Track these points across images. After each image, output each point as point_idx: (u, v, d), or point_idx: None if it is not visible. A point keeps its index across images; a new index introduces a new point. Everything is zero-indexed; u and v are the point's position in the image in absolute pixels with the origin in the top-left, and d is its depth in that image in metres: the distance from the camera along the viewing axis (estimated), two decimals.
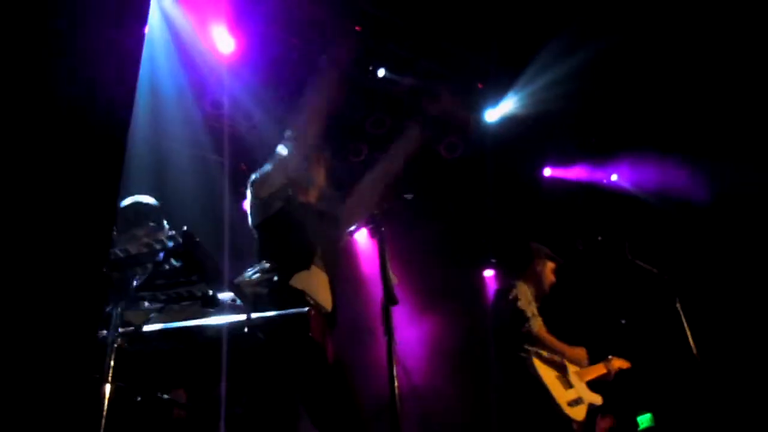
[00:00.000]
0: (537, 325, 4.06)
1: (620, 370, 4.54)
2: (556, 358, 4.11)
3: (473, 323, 5.85)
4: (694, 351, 3.70)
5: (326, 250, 3.25)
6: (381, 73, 6.02)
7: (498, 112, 6.53)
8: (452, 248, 6.51)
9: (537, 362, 4.00)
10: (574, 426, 4.00)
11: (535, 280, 4.37)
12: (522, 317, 4.02)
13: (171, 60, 5.16)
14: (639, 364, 4.68)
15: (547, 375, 4.02)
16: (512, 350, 4.05)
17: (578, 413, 4.08)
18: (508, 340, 4.09)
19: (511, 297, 4.14)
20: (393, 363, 2.63)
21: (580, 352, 4.29)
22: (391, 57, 5.95)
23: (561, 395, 4.02)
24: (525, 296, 4.16)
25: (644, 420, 5.10)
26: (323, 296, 3.14)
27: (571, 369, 4.21)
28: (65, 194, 2.34)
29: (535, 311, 4.22)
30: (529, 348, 4.01)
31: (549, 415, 3.92)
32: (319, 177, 3.49)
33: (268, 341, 2.44)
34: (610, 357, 4.54)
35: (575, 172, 6.88)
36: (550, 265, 4.42)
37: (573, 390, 4.14)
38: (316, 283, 3.13)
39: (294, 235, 3.22)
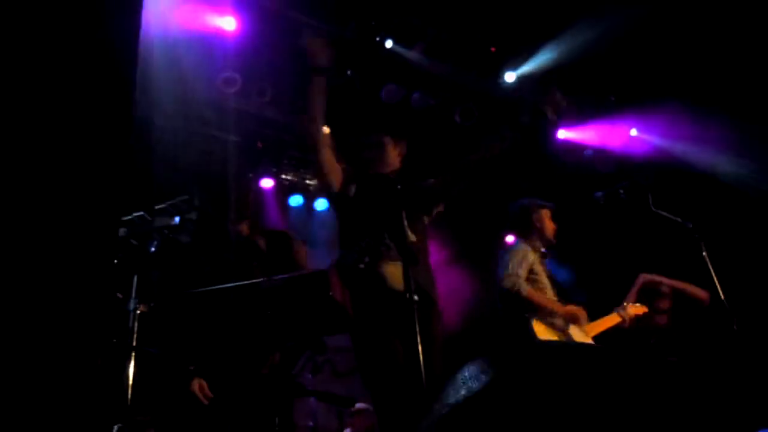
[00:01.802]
0: (525, 287, 3.90)
1: (637, 317, 4.41)
2: (556, 322, 3.99)
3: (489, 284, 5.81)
4: (723, 299, 3.64)
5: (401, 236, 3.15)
6: (389, 44, 5.96)
7: (512, 74, 6.44)
8: (472, 211, 6.46)
9: (535, 325, 3.89)
10: None
11: (538, 234, 4.28)
12: (510, 281, 3.89)
13: (177, 40, 5.14)
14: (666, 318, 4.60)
15: (545, 335, 3.92)
16: (511, 312, 3.95)
17: None
18: (506, 302, 3.98)
19: (503, 259, 4.05)
20: (416, 322, 2.61)
21: (575, 311, 4.07)
22: (399, 26, 5.89)
23: None
24: (524, 255, 4.05)
25: None
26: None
27: (573, 328, 4.08)
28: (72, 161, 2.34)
29: (538, 267, 4.08)
30: (527, 313, 3.90)
31: None
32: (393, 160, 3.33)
33: (290, 300, 2.44)
34: (625, 304, 4.43)
35: (591, 133, 6.77)
36: (545, 213, 4.31)
37: None
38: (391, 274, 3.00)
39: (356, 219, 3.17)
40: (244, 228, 2.93)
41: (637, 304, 4.49)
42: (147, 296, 2.37)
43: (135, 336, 2.37)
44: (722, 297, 3.61)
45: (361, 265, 2.82)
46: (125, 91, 2.55)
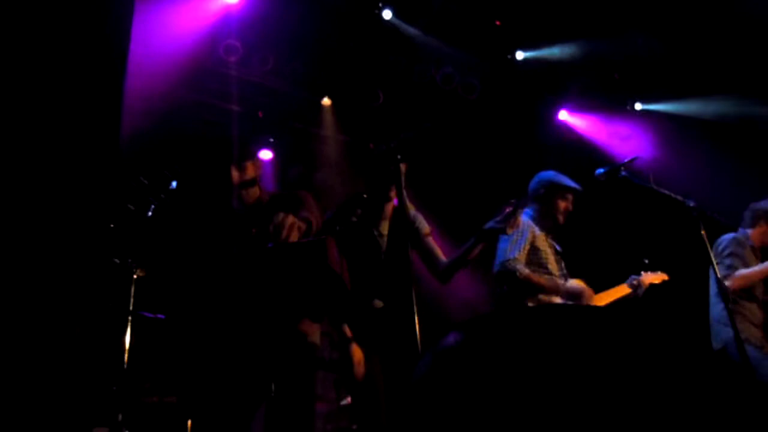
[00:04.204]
0: (523, 269, 3.79)
1: (654, 286, 4.24)
2: (555, 300, 3.88)
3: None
4: (719, 278, 3.63)
5: None
6: (387, 15, 5.85)
7: (518, 52, 6.39)
8: (472, 188, 6.44)
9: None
10: None
11: (553, 215, 4.10)
12: (505, 265, 3.83)
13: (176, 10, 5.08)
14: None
15: None
16: (508, 295, 3.87)
17: None
18: (502, 285, 3.90)
19: (502, 240, 3.98)
20: (414, 305, 2.59)
21: (577, 288, 3.92)
22: None
23: None
24: (520, 235, 3.92)
25: None
26: None
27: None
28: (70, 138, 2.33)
29: (543, 244, 3.97)
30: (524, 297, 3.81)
31: None
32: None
33: (288, 270, 2.43)
34: (641, 274, 4.25)
35: (592, 117, 6.73)
36: (569, 197, 4.16)
37: None
38: None
39: None
40: (255, 191, 2.71)
41: (657, 273, 4.33)
42: (143, 261, 2.37)
43: (132, 300, 2.37)
44: (718, 275, 3.60)
45: (354, 219, 2.81)
46: (117, 62, 2.53)
